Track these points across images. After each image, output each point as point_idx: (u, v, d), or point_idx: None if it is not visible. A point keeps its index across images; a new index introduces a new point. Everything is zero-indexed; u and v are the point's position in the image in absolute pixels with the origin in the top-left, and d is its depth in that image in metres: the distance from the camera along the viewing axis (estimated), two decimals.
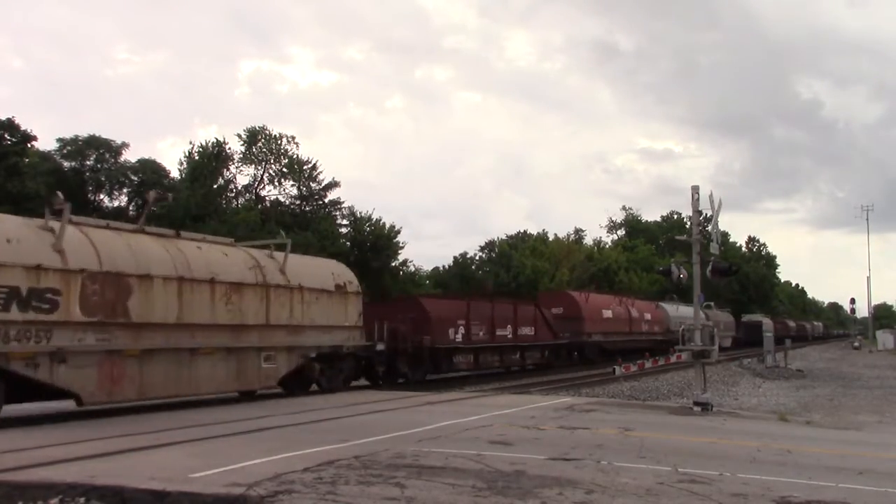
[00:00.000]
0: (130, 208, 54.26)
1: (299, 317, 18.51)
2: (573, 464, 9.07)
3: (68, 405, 14.12)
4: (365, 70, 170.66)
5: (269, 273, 17.96)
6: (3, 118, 37.81)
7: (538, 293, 46.35)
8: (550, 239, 76.29)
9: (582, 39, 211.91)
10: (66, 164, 51.94)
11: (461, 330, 26.15)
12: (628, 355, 39.71)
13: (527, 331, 30.67)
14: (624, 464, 9.12)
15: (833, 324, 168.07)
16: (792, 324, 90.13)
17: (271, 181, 54.40)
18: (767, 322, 72.80)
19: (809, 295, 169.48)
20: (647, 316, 46.34)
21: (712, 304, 51.39)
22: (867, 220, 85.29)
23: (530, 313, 31.62)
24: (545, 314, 32.91)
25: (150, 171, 55.00)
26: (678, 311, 49.65)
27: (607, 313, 40.31)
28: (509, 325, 29.31)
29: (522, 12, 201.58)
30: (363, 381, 22.71)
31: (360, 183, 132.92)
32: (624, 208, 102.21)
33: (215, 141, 51.72)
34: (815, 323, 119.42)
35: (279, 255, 18.84)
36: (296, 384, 18.97)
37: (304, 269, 19.43)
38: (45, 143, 51.17)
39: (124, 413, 14.50)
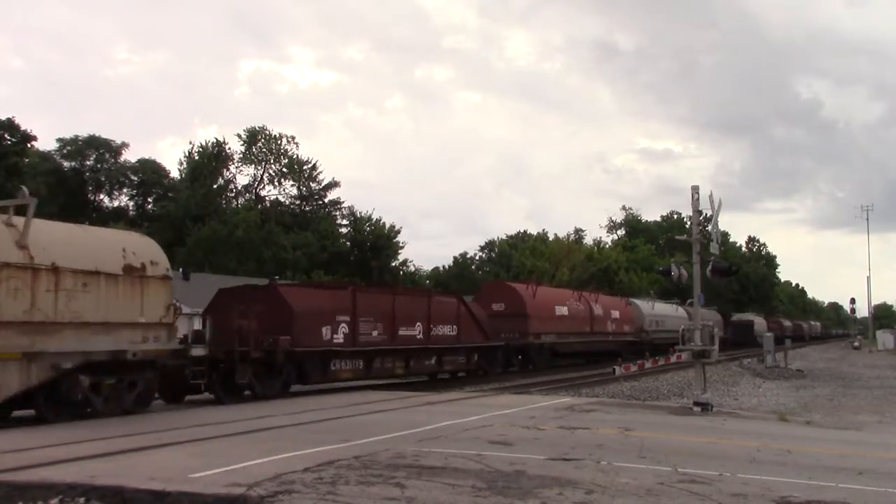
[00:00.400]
0: (130, 208, 54.41)
1: (49, 310, 13.07)
2: (573, 464, 9.07)
3: None
4: (365, 70, 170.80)
5: None
6: (4, 118, 37.85)
7: (482, 285, 41.28)
8: (550, 239, 76.34)
9: (582, 39, 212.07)
10: (66, 164, 52.05)
11: (343, 329, 20.40)
12: (590, 360, 37.09)
13: (446, 330, 25.07)
14: (624, 464, 9.12)
15: (833, 324, 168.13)
16: (788, 323, 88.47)
17: (271, 181, 54.57)
18: (760, 321, 71.56)
19: (809, 295, 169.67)
20: (615, 314, 40.48)
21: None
22: (867, 220, 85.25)
23: (451, 309, 25.87)
24: (475, 311, 27.36)
25: (150, 171, 55.13)
26: (653, 309, 46.02)
27: (561, 310, 34.60)
28: (419, 324, 23.64)
29: (522, 12, 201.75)
30: (209, 395, 17.12)
31: (359, 183, 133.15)
32: (624, 208, 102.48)
33: (215, 141, 51.86)
34: (813, 322, 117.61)
35: (19, 220, 13.35)
36: (55, 405, 13.43)
37: (65, 242, 13.94)
38: (45, 143, 51.37)
39: (124, 413, 14.50)
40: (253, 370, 17.54)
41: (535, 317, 31.63)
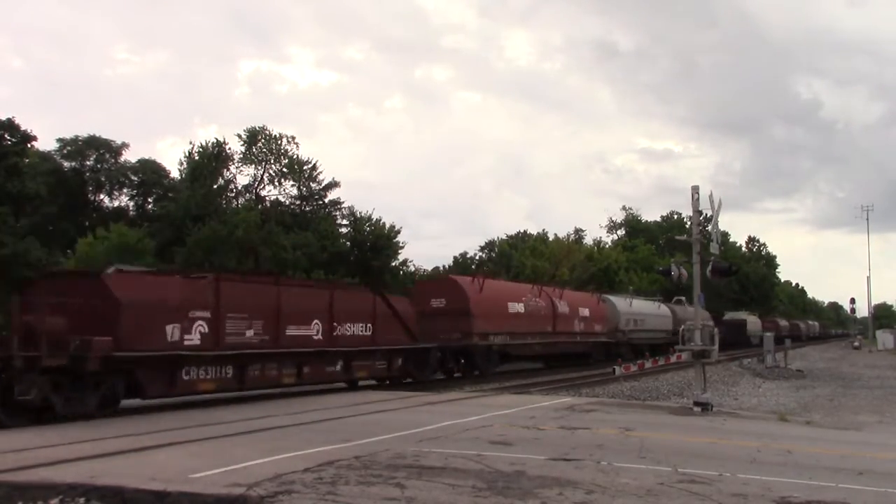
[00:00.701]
0: (130, 208, 54.40)
1: None
2: (573, 464, 9.07)
3: None
4: (364, 70, 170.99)
5: None
6: (4, 118, 37.85)
7: (416, 281, 36.46)
8: (550, 239, 76.32)
9: (581, 39, 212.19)
10: (66, 164, 52.02)
11: (200, 327, 16.24)
12: (553, 363, 33.95)
13: (356, 329, 21.06)
14: (624, 464, 9.13)
15: (833, 323, 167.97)
16: (784, 322, 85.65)
17: (271, 181, 54.47)
18: (753, 320, 69.41)
19: (809, 295, 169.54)
20: (584, 312, 35.82)
21: (683, 298, 46.16)
22: (867, 220, 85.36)
23: (364, 304, 21.79)
24: (401, 307, 23.51)
25: (150, 171, 55.10)
26: (631, 307, 42.09)
27: (516, 308, 30.17)
28: (317, 322, 19.55)
29: (522, 12, 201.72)
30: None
31: (359, 183, 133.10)
32: (624, 208, 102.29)
33: (215, 141, 51.78)
34: (811, 322, 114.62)
35: None
36: None
37: None
38: (45, 143, 51.33)
39: (124, 413, 14.50)
40: (52, 383, 13.23)
41: (481, 315, 27.37)
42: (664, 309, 47.15)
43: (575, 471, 8.62)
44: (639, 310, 43.46)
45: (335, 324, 20.14)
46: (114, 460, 9.21)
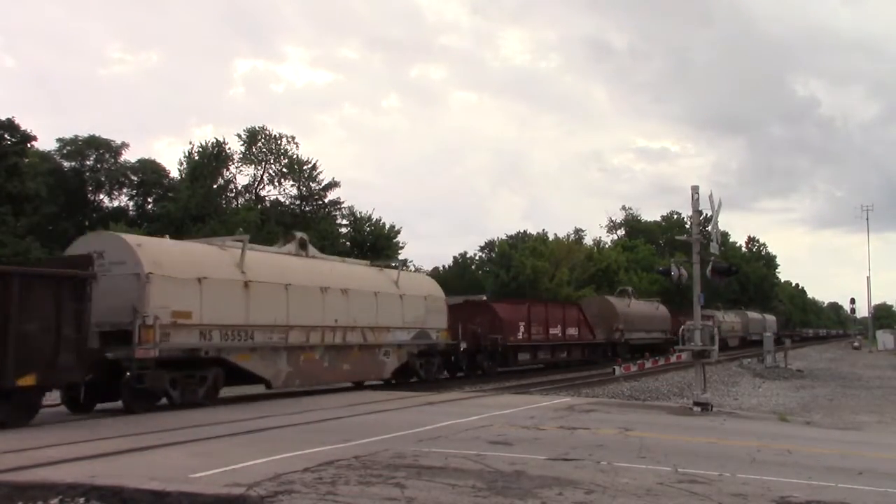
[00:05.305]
0: (130, 208, 54.38)
1: None
2: (573, 464, 9.07)
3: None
4: (360, 69, 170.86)
5: None
6: (4, 118, 37.84)
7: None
8: (550, 239, 76.35)
9: (576, 38, 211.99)
10: (65, 164, 52.01)
11: None
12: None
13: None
14: (624, 464, 9.12)
15: (832, 323, 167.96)
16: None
17: (271, 181, 54.46)
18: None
19: (809, 295, 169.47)
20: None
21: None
22: (867, 219, 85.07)
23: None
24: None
25: (150, 171, 55.08)
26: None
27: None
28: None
29: (515, 11, 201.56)
30: None
31: (356, 182, 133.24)
32: (624, 208, 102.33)
33: (215, 141, 51.79)
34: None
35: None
36: None
37: None
38: (45, 143, 51.33)
39: (124, 413, 14.50)
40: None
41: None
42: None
43: (575, 471, 8.62)
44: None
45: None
46: (113, 460, 9.20)
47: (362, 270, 23.04)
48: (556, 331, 33.70)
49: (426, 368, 23.97)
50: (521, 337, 30.39)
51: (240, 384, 18.00)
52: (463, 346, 25.84)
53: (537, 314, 32.50)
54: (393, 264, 25.51)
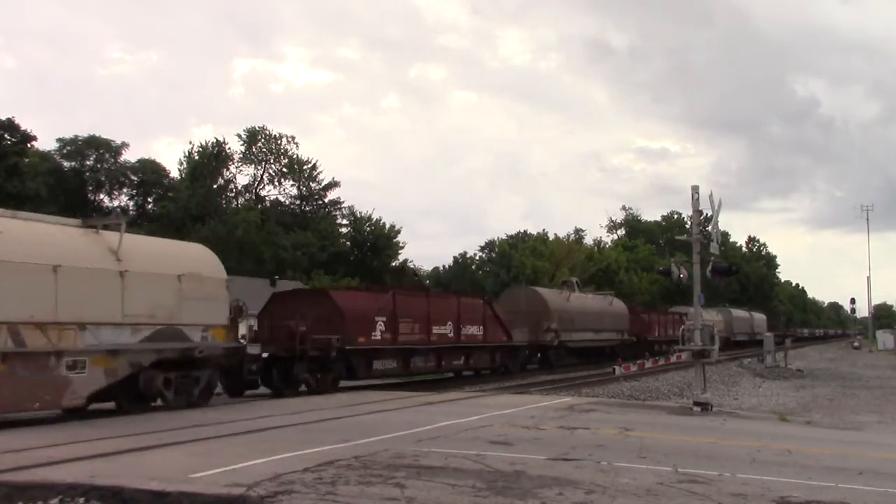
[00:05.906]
0: (130, 208, 54.40)
1: None
2: (573, 464, 9.07)
3: None
4: (360, 69, 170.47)
5: None
6: (4, 118, 37.87)
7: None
8: (550, 239, 76.36)
9: (575, 38, 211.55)
10: (65, 164, 52.06)
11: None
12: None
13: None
14: (624, 464, 9.12)
15: (832, 323, 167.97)
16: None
17: (271, 181, 54.54)
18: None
19: (809, 295, 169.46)
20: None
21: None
22: (867, 220, 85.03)
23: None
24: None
25: (150, 170, 55.17)
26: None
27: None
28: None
29: (514, 11, 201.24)
30: None
31: (356, 182, 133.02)
32: (624, 208, 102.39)
33: (215, 141, 51.84)
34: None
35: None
36: None
37: None
38: (45, 143, 51.36)
39: (124, 413, 14.50)
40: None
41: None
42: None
43: (575, 471, 8.62)
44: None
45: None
46: (113, 460, 9.20)
47: (39, 230, 13.71)
48: (443, 329, 25.56)
49: (180, 386, 15.35)
50: (378, 337, 22.48)
51: None
52: (257, 350, 17.31)
53: (409, 307, 24.44)
54: (117, 223, 15.29)
